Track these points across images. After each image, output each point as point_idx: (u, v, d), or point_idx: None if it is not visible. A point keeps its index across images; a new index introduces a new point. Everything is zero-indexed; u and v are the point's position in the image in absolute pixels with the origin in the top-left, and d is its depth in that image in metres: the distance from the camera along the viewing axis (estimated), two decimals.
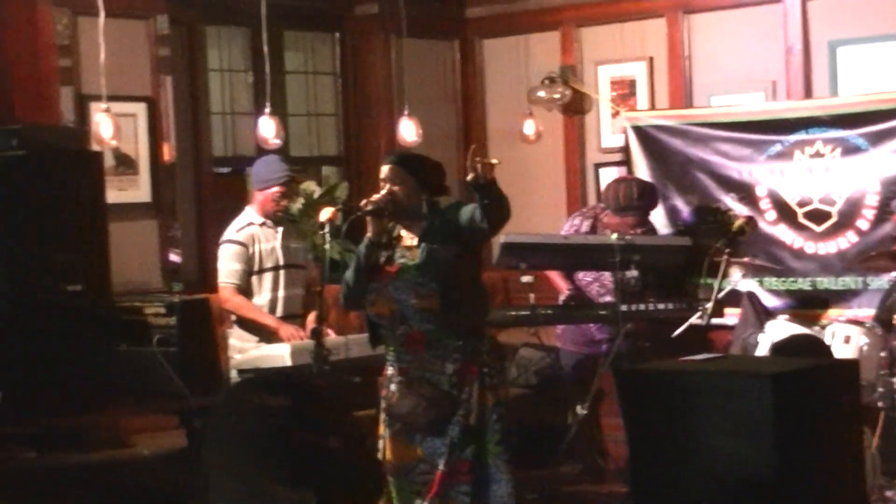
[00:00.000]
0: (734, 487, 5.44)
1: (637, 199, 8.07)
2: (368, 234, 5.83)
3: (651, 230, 8.40)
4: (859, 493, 5.91)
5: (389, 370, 5.88)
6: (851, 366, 6.15)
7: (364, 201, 5.84)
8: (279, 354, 6.95)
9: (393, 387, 5.83)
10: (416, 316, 5.74)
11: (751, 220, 6.86)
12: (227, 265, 7.47)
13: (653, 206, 8.29)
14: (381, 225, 5.83)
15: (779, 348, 7.62)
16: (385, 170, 5.85)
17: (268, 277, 7.51)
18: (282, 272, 7.54)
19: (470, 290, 5.78)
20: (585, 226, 8.25)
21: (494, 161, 5.53)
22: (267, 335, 7.38)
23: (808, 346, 7.33)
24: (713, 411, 5.55)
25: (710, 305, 6.16)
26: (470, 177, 5.47)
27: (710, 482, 5.51)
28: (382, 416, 5.88)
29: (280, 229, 7.61)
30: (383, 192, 5.81)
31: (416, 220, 5.83)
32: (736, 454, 5.44)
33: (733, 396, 5.53)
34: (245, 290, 7.46)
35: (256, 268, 7.49)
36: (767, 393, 5.41)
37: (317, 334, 5.93)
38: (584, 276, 8.28)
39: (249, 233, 7.52)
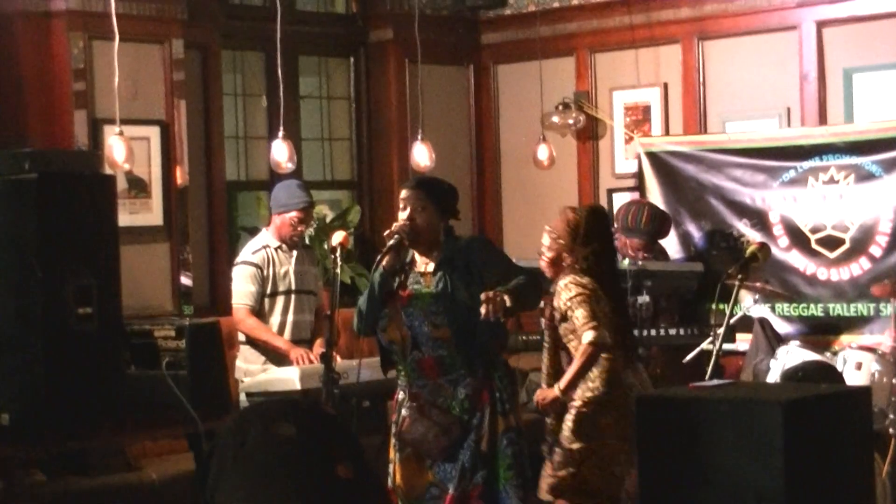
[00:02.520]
0: None
1: (644, 223, 8.04)
2: (383, 264, 5.76)
3: (661, 254, 8.37)
4: None
5: (400, 395, 5.84)
6: (863, 392, 6.13)
7: (386, 232, 5.79)
8: (289, 378, 6.90)
9: (404, 412, 5.79)
10: (429, 342, 5.70)
11: (764, 247, 6.82)
12: (242, 286, 7.47)
13: (661, 233, 8.25)
14: (398, 256, 5.79)
15: (790, 374, 7.60)
16: (405, 193, 5.80)
17: (279, 301, 7.50)
18: (293, 297, 7.53)
19: (487, 327, 5.66)
20: None
21: (508, 304, 5.49)
22: (274, 356, 7.37)
23: (820, 373, 7.31)
24: (724, 438, 5.52)
25: (721, 331, 6.16)
26: (482, 315, 5.47)
27: None
28: (392, 441, 5.85)
29: (294, 253, 7.60)
30: (402, 220, 5.77)
31: (433, 246, 5.79)
32: (746, 481, 5.41)
33: (744, 423, 5.50)
34: (258, 311, 7.46)
35: (269, 291, 7.49)
36: (778, 420, 5.39)
37: (326, 358, 5.92)
38: None
39: (264, 255, 7.52)
